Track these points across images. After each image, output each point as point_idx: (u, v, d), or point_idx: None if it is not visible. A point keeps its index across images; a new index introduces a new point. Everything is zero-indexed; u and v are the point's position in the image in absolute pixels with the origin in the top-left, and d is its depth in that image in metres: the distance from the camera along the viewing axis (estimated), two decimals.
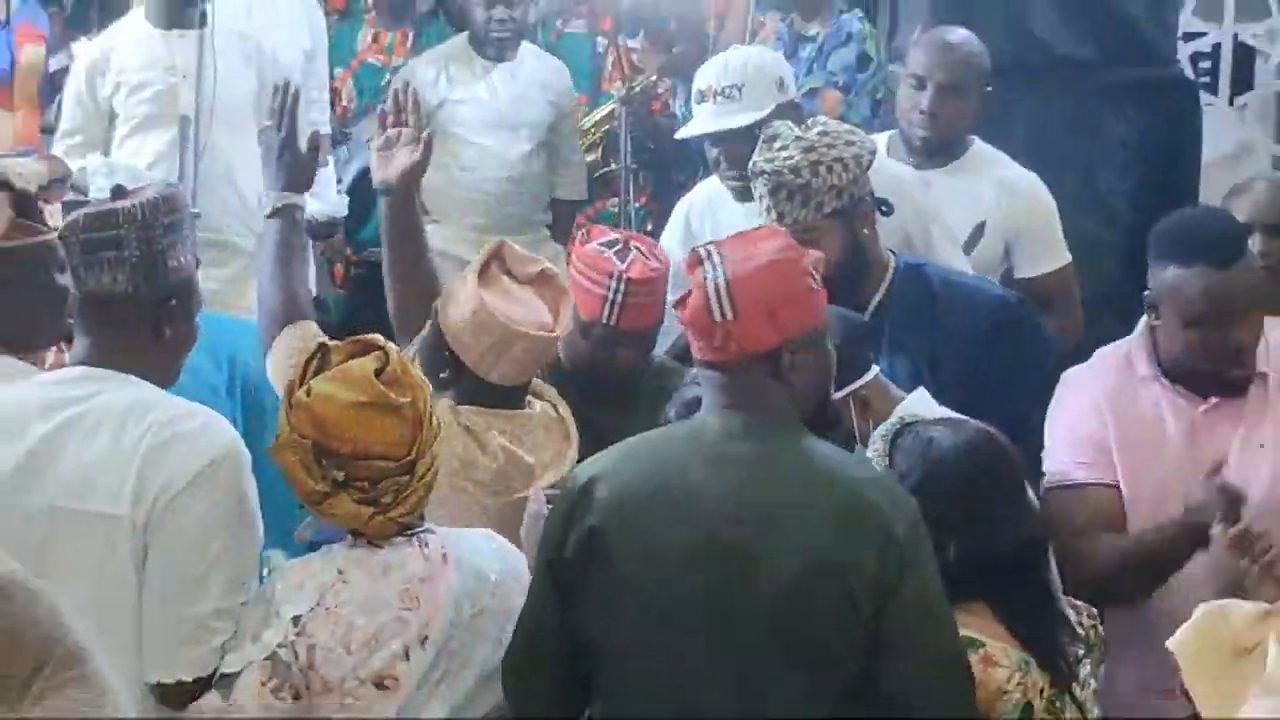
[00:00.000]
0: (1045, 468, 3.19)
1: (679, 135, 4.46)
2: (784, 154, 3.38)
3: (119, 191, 2.80)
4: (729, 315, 2.45)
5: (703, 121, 4.09)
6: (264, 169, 3.53)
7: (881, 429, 2.85)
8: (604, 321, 3.34)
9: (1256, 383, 3.14)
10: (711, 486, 2.48)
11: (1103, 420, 3.06)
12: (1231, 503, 2.77)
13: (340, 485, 2.58)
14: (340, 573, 2.61)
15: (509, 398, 3.08)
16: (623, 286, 3.33)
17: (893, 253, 3.54)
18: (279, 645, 2.60)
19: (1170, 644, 2.19)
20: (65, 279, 2.87)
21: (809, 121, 3.54)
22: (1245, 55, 6.36)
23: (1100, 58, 4.92)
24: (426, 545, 2.64)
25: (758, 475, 2.47)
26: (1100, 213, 4.68)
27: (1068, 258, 4.17)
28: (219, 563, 2.57)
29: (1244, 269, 3.10)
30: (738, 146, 3.82)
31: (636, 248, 3.40)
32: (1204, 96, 5.59)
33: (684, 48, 5.39)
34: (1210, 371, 3.09)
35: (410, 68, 5.29)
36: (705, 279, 2.51)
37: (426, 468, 2.64)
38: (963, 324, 3.41)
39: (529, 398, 3.15)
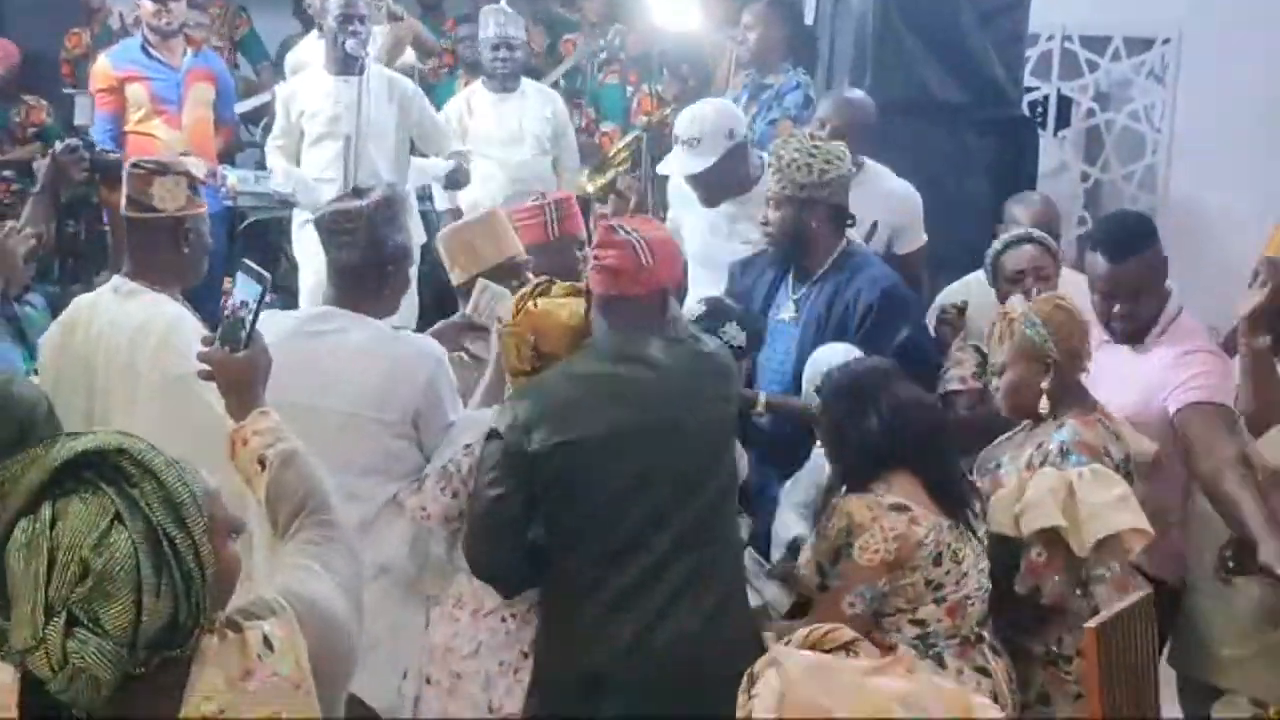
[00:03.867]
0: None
1: (658, 170, 5.05)
2: (783, 149, 4.01)
3: (356, 192, 3.34)
4: (651, 261, 2.98)
5: (672, 164, 4.70)
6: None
7: (817, 368, 3.54)
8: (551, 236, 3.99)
9: (1153, 338, 3.55)
10: (648, 376, 3.00)
11: None
12: None
13: (533, 370, 3.08)
14: None
15: None
16: (554, 204, 4.08)
17: (848, 241, 4.05)
18: (450, 461, 3.08)
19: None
20: (208, 238, 3.48)
21: (818, 140, 4.10)
22: (1065, 102, 7.39)
23: (969, 102, 5.57)
24: None
25: (671, 362, 3.01)
26: (966, 208, 5.23)
27: (924, 239, 4.81)
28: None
29: (1129, 263, 3.53)
30: (700, 180, 4.52)
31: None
32: (1040, 130, 6.29)
33: (694, 82, 6.12)
34: (1105, 323, 3.57)
35: (449, 104, 6.26)
36: (630, 240, 3.01)
37: None
38: (869, 287, 3.92)
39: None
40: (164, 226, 3.35)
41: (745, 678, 1.88)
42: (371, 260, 3.16)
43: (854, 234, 4.25)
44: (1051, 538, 3.16)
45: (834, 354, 3.65)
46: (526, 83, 6.27)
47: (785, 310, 4.05)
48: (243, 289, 2.31)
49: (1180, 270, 3.69)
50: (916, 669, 1.74)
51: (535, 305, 3.10)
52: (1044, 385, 3.34)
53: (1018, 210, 4.74)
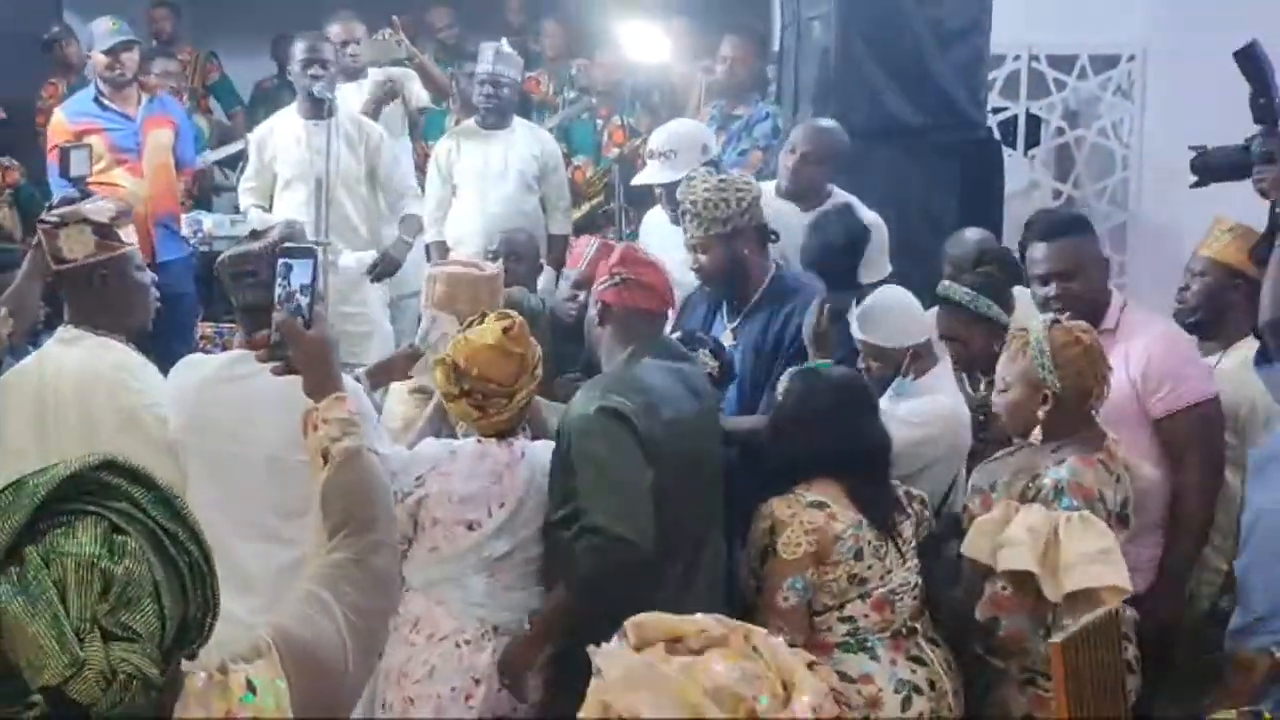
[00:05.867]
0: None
1: (634, 182, 5.27)
2: (691, 192, 4.05)
3: (254, 235, 3.36)
4: (669, 280, 3.39)
5: (648, 174, 4.94)
6: None
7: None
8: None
9: (1103, 337, 3.56)
10: (696, 371, 3.47)
11: None
12: None
13: (464, 394, 3.27)
14: (452, 453, 3.31)
15: None
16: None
17: (777, 264, 4.14)
18: (399, 490, 3.15)
19: None
20: (144, 276, 3.43)
21: (717, 172, 4.21)
22: (1034, 122, 7.41)
23: (934, 125, 5.62)
24: (511, 446, 3.31)
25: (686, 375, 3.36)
26: (934, 227, 5.26)
27: (889, 269, 4.77)
28: None
29: (1059, 241, 3.74)
30: (671, 190, 4.51)
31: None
32: (1006, 151, 6.26)
33: (666, 113, 6.26)
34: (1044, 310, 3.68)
35: (440, 141, 6.33)
36: (655, 260, 3.40)
37: (524, 398, 3.29)
38: (802, 309, 3.92)
39: None
40: (78, 275, 3.36)
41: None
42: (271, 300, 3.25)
43: None
44: (1022, 578, 3.18)
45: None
46: (519, 122, 6.30)
47: (724, 338, 4.11)
48: (298, 273, 2.27)
49: (1151, 282, 3.84)
50: (754, 639, 1.77)
51: (464, 337, 3.29)
52: (1040, 414, 3.36)
53: (953, 251, 4.82)
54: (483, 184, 6.11)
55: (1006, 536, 3.19)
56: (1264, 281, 3.22)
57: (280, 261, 2.29)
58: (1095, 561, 3.12)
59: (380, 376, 3.84)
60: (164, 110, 6.39)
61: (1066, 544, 3.12)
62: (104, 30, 6.15)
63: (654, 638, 1.82)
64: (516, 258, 4.81)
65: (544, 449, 3.36)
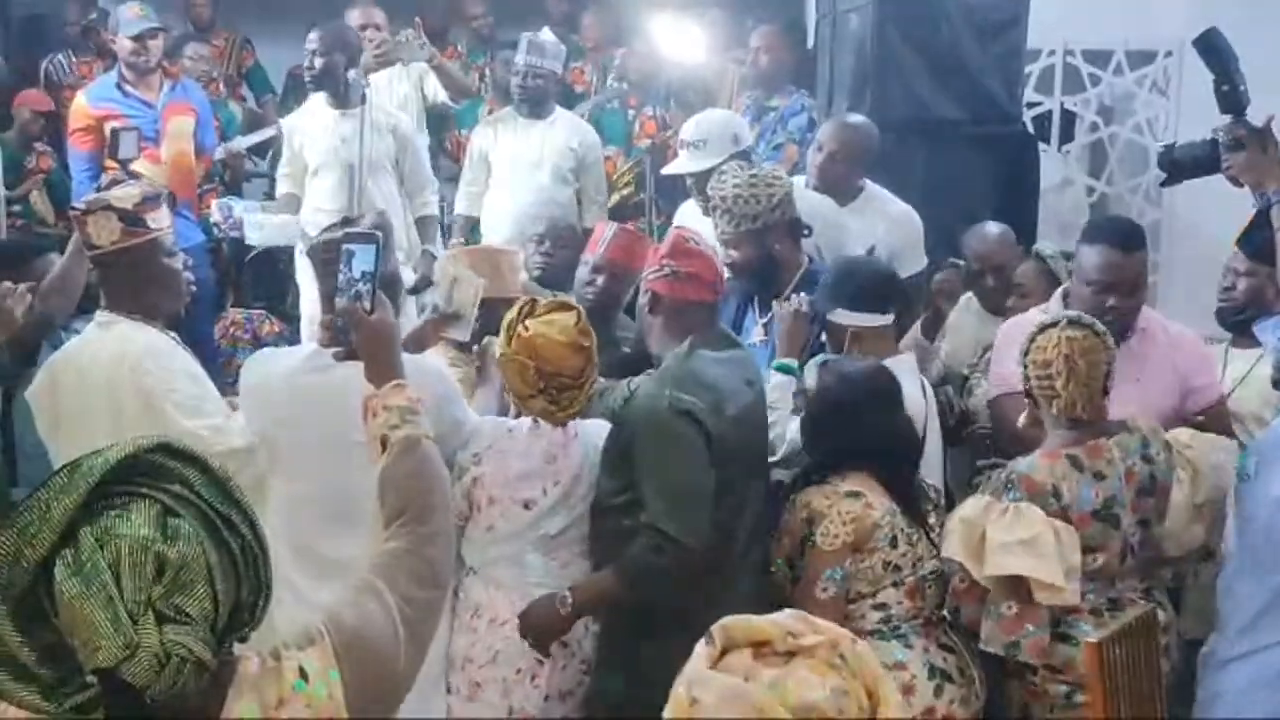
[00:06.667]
0: (993, 382, 3.92)
1: (663, 171, 5.29)
2: (721, 187, 4.04)
3: (346, 221, 3.41)
4: (720, 271, 3.43)
5: (679, 164, 4.90)
6: None
7: (817, 358, 3.57)
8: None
9: (1138, 335, 3.67)
10: (752, 360, 3.51)
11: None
12: None
13: (540, 392, 3.27)
14: (510, 431, 3.37)
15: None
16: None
17: (810, 258, 4.15)
18: (458, 468, 3.20)
19: None
20: (175, 262, 3.45)
21: (749, 167, 4.16)
22: (1069, 117, 7.36)
23: (970, 119, 5.60)
24: (565, 426, 3.35)
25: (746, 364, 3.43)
26: (969, 221, 5.02)
27: (925, 262, 4.81)
28: None
29: (1135, 256, 3.66)
30: (703, 180, 4.51)
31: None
32: (1040, 146, 6.22)
33: (699, 108, 5.85)
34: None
35: (479, 126, 6.33)
36: (706, 251, 3.39)
37: (591, 387, 3.33)
38: None
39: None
40: (106, 262, 3.39)
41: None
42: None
43: (848, 251, 4.38)
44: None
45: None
46: (560, 113, 6.27)
47: (754, 334, 4.12)
48: (360, 259, 2.27)
49: (1184, 281, 3.82)
50: (842, 647, 1.71)
51: (526, 328, 3.22)
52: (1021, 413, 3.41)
53: (972, 242, 4.81)
54: (516, 172, 6.10)
55: (947, 528, 3.28)
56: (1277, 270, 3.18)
57: (343, 248, 2.28)
58: (1011, 552, 3.13)
59: (413, 348, 3.78)
60: (185, 97, 6.37)
61: (991, 534, 3.17)
62: (131, 15, 6.13)
63: (741, 641, 1.76)
64: (560, 244, 4.77)
65: (596, 428, 3.40)
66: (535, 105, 6.10)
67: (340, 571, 2.93)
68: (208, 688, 1.57)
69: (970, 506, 3.26)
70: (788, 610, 1.77)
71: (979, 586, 3.22)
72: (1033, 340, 3.34)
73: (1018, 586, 3.16)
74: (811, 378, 3.46)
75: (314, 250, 3.33)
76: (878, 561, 3.22)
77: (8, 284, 3.58)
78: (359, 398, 2.88)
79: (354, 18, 6.57)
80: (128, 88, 6.19)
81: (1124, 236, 3.71)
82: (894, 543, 3.23)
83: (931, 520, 3.36)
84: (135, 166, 5.39)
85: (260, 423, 3.26)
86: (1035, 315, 3.78)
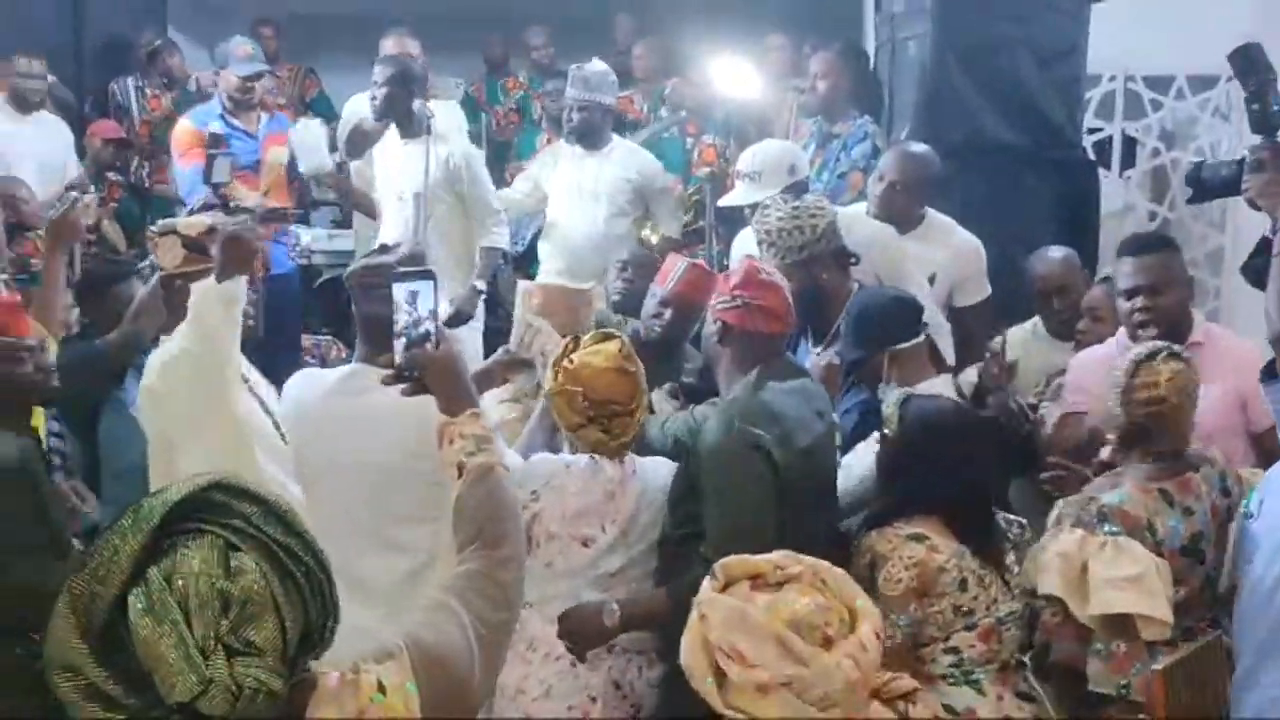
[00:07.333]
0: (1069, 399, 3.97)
1: (719, 203, 5.33)
2: (766, 221, 4.05)
3: (383, 249, 3.54)
4: (791, 303, 3.40)
5: (736, 195, 4.96)
6: None
7: (897, 393, 3.46)
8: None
9: (1193, 349, 3.61)
10: (821, 390, 3.49)
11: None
12: None
13: (591, 420, 3.30)
14: (567, 467, 3.37)
15: None
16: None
17: (859, 283, 4.12)
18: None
19: None
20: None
21: (792, 199, 4.18)
22: (1129, 143, 7.33)
23: (1030, 144, 5.63)
24: (622, 463, 3.36)
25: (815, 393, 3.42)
26: (1030, 248, 4.94)
27: (988, 290, 4.83)
28: None
29: (1146, 258, 3.73)
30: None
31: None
32: (1101, 172, 6.30)
33: (756, 138, 5.97)
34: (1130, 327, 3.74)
35: (542, 151, 6.40)
36: (778, 283, 3.37)
37: (641, 414, 3.35)
38: None
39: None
40: (168, 284, 3.45)
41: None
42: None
43: (907, 279, 4.34)
44: (1063, 602, 3.15)
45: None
46: (618, 142, 6.23)
47: (809, 363, 4.04)
48: (424, 298, 2.30)
49: (1247, 305, 3.79)
50: (822, 573, 2.19)
51: (571, 361, 3.29)
52: (1109, 436, 3.37)
53: (1037, 265, 4.78)
54: (571, 203, 6.10)
55: (1042, 562, 3.17)
56: (1266, 295, 3.15)
57: (404, 289, 2.31)
58: (1119, 588, 3.07)
59: (478, 384, 3.85)
60: (281, 128, 6.54)
61: (1095, 569, 3.09)
62: (242, 55, 6.31)
63: (739, 575, 2.19)
64: (642, 273, 4.74)
65: (654, 465, 3.42)
66: (586, 137, 6.08)
67: (368, 592, 3.00)
68: (285, 706, 1.62)
69: (1066, 541, 3.16)
70: (778, 551, 2.21)
71: (1074, 622, 3.14)
72: (1133, 376, 3.30)
73: (1123, 623, 3.10)
74: (891, 411, 3.37)
75: (352, 276, 3.39)
76: (947, 606, 3.11)
77: (75, 193, 3.72)
78: (390, 422, 3.01)
79: (388, 46, 6.62)
80: (230, 118, 6.36)
81: (1138, 242, 3.82)
82: (963, 586, 3.12)
83: (1011, 559, 3.25)
84: (234, 192, 5.55)
85: (296, 441, 3.29)
86: (1106, 350, 3.83)
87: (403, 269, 2.45)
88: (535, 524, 3.30)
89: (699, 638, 2.14)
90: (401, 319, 2.29)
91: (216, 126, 6.20)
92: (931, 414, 3.30)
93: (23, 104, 6.71)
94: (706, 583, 2.18)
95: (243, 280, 3.37)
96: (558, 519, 3.32)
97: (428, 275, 2.33)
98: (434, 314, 2.31)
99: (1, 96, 6.75)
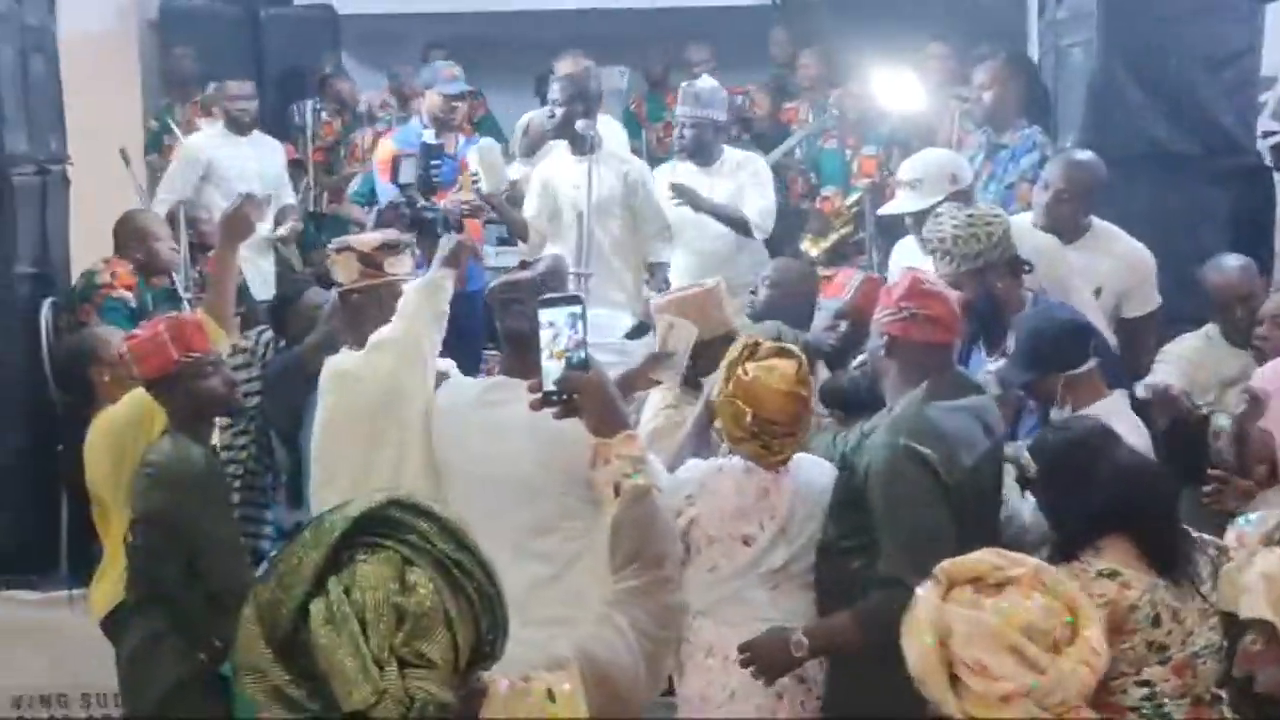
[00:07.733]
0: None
1: (879, 211, 5.28)
2: (939, 229, 4.03)
3: (523, 265, 3.73)
4: (958, 312, 3.36)
5: (896, 204, 4.93)
6: None
7: (1020, 444, 3.46)
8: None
9: None
10: (989, 404, 3.43)
11: None
12: None
13: (753, 436, 3.31)
14: (720, 469, 3.40)
15: None
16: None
17: (1031, 292, 4.11)
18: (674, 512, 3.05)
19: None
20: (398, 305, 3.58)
21: (966, 206, 4.16)
22: None
23: (1201, 151, 5.54)
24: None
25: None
26: (1203, 258, 4.93)
27: (1158, 301, 4.79)
28: None
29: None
30: (920, 219, 4.52)
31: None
32: (1276, 177, 5.90)
33: (918, 147, 5.79)
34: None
35: (662, 167, 6.30)
36: (944, 292, 3.34)
37: (805, 434, 3.39)
38: None
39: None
40: (346, 298, 3.69)
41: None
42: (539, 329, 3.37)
43: (1074, 291, 4.35)
44: (1270, 628, 2.89)
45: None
46: (729, 154, 6.18)
47: (982, 373, 3.96)
48: (576, 325, 2.28)
49: None
50: (1042, 575, 2.24)
51: (745, 372, 3.26)
52: None
53: (1213, 275, 4.74)
54: (687, 218, 6.05)
55: (1243, 583, 2.94)
56: None
57: (563, 312, 2.29)
58: None
59: (626, 388, 3.80)
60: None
61: None
62: (448, 75, 6.44)
63: (961, 578, 2.24)
64: (778, 287, 4.76)
65: (809, 463, 3.43)
66: (697, 154, 6.06)
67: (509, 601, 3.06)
68: (459, 711, 1.68)
69: (1271, 560, 2.91)
70: (984, 549, 2.27)
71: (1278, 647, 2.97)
72: None
73: (1273, 630, 2.89)
74: (1026, 461, 3.32)
75: (493, 291, 3.46)
76: (1139, 642, 3.02)
77: (250, 193, 4.06)
78: (526, 434, 3.11)
79: (563, 67, 6.65)
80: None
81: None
82: (1156, 621, 3.02)
83: (1210, 586, 3.09)
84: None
85: (438, 447, 3.42)
86: None
87: (551, 296, 2.44)
88: (693, 528, 3.33)
89: (931, 647, 2.19)
90: (562, 342, 2.30)
91: (428, 136, 6.33)
92: (1069, 440, 3.26)
93: (238, 126, 7.05)
94: (928, 588, 2.24)
95: (449, 274, 3.59)
96: (716, 521, 3.35)
97: (576, 300, 2.34)
98: (583, 342, 2.30)
99: (220, 123, 7.11)
